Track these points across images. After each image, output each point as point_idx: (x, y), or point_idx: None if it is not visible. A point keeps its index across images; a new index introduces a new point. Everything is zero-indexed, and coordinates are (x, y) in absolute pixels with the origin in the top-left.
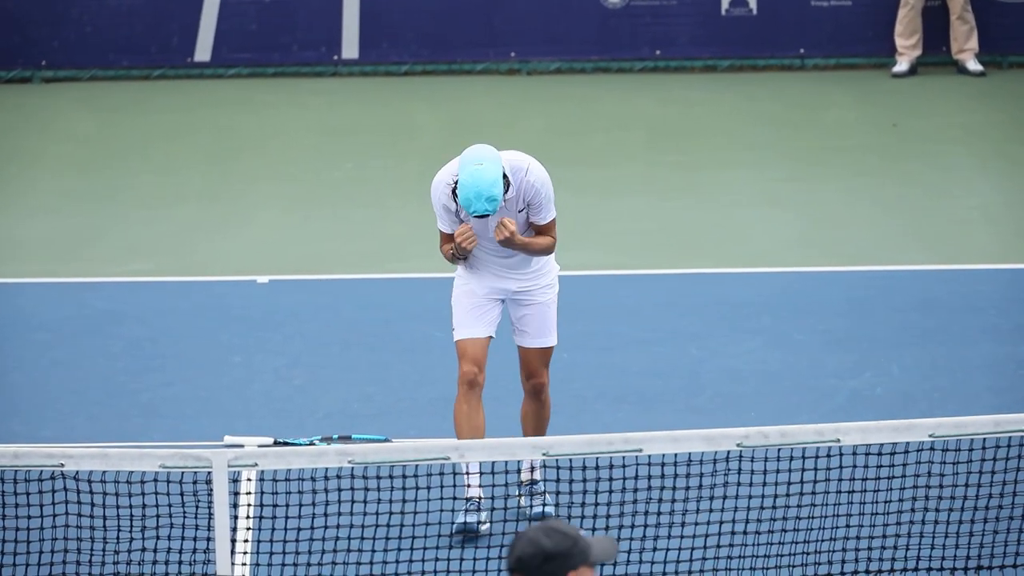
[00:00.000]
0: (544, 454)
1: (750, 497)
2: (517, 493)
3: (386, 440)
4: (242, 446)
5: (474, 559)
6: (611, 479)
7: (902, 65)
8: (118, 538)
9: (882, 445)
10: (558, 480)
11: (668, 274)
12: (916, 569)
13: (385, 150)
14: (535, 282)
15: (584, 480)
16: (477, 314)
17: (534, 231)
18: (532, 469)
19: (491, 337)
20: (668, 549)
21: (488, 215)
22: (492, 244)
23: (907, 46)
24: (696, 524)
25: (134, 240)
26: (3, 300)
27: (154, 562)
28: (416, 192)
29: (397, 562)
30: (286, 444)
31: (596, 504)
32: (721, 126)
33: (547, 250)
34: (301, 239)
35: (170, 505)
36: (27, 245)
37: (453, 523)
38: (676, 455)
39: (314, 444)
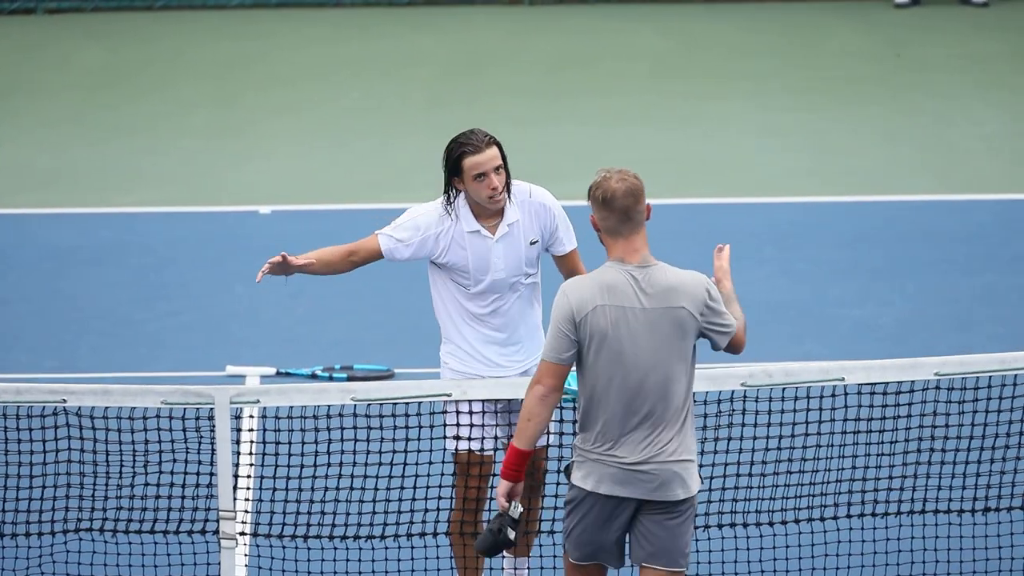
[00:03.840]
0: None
1: (755, 438)
2: None
3: (388, 370)
4: (244, 376)
5: (477, 498)
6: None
7: None
8: (120, 474)
9: (887, 384)
10: (561, 421)
11: (671, 204)
12: (923, 511)
13: (389, 81)
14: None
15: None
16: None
17: (563, 269)
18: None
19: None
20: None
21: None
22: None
23: None
24: (701, 466)
25: (140, 170)
26: (8, 229)
27: (157, 497)
28: (420, 123)
29: (400, 500)
30: (288, 374)
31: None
32: (724, 57)
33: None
34: (305, 169)
35: (172, 441)
36: (32, 175)
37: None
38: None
39: (316, 374)
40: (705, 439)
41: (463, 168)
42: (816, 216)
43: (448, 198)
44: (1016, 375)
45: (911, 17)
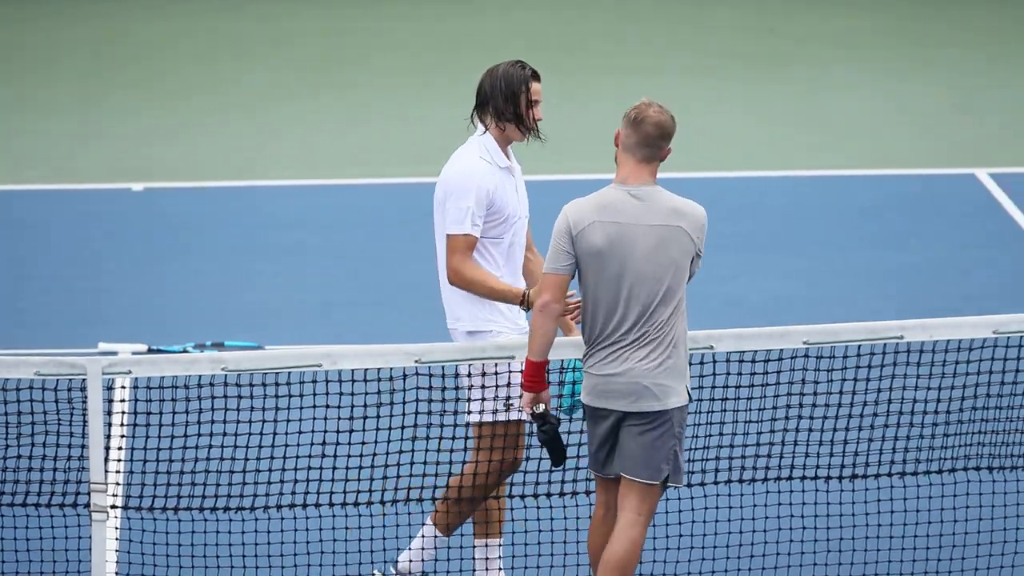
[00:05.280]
0: (416, 361)
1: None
2: None
3: (259, 347)
4: (116, 353)
5: (346, 468)
6: (484, 387)
7: None
8: None
9: (756, 352)
10: (431, 388)
11: (548, 180)
12: (790, 478)
13: (259, 61)
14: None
15: (456, 388)
16: None
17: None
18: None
19: None
20: (528, 459)
21: None
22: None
23: None
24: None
25: (8, 149)
26: None
27: (29, 469)
28: (290, 97)
29: (270, 470)
30: (160, 351)
31: (468, 412)
32: (599, 33)
33: None
34: (176, 146)
35: (45, 412)
36: None
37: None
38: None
39: (187, 351)
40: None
41: (530, 91)
42: (693, 191)
43: (497, 124)
44: (885, 344)
45: None
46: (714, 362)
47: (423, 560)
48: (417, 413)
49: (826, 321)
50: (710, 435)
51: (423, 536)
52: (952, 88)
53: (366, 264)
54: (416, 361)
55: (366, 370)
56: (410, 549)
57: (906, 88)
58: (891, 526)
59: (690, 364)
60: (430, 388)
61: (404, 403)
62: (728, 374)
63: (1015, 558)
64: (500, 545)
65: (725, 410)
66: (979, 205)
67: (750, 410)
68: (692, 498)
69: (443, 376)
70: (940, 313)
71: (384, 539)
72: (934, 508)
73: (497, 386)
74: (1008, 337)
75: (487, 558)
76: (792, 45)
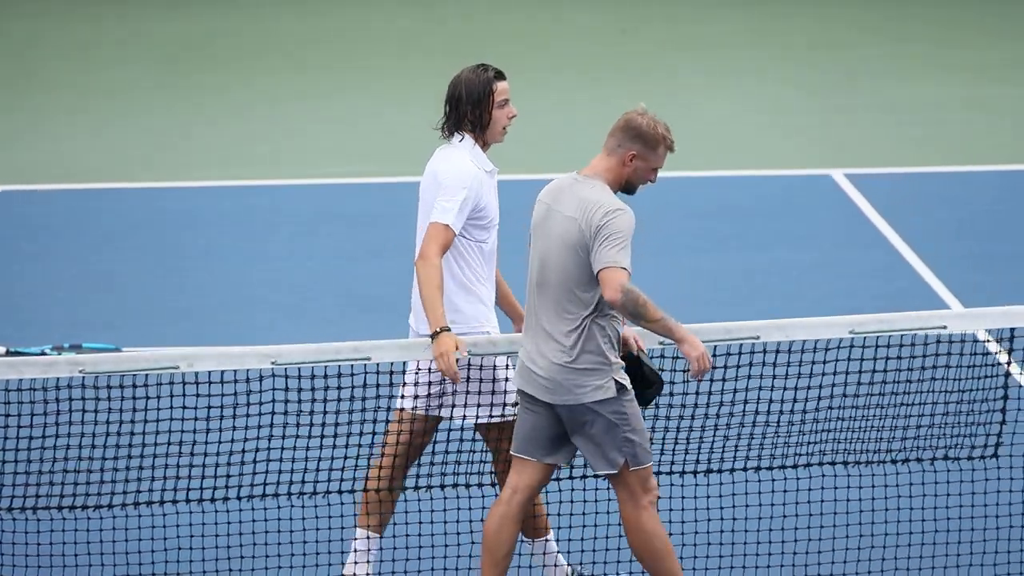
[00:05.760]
0: (272, 362)
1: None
2: None
3: (116, 349)
4: None
5: (203, 465)
6: (339, 387)
7: None
8: None
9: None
10: (287, 389)
11: (387, 183)
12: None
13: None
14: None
15: (312, 389)
16: None
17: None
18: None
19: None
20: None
21: None
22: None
23: None
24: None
25: None
26: None
27: None
28: (151, 98)
29: (128, 468)
30: (18, 354)
31: (325, 412)
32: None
33: None
34: (36, 146)
35: None
36: None
37: None
38: (405, 363)
39: (45, 353)
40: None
41: (495, 92)
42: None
43: (472, 132)
44: (741, 344)
45: None
46: None
47: (368, 562)
48: (273, 413)
49: (682, 323)
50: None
51: (355, 541)
52: (811, 91)
53: (229, 265)
54: (272, 363)
55: (223, 371)
56: (355, 562)
57: (764, 90)
58: (746, 520)
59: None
60: (286, 389)
61: (260, 403)
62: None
63: (871, 552)
64: (555, 540)
65: None
66: (835, 206)
67: None
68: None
69: (299, 377)
70: (798, 314)
71: (241, 535)
72: (789, 502)
73: (488, 380)
74: (864, 337)
75: (545, 553)
76: (647, 47)
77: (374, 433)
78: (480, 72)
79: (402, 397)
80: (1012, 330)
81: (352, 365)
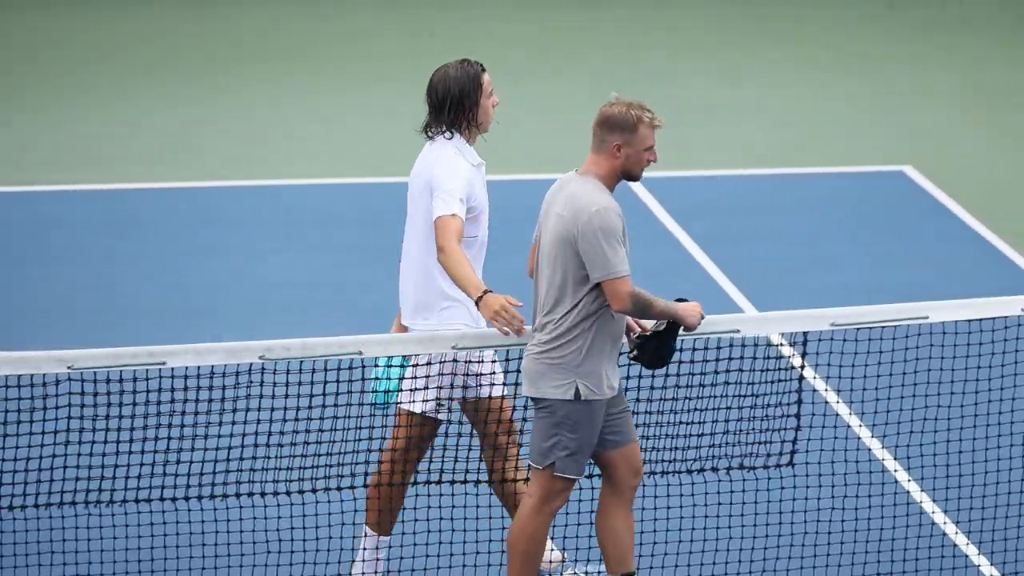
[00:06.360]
0: (69, 367)
1: (272, 409)
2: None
3: None
4: None
5: (189, 462)
6: (135, 392)
7: None
8: None
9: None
10: (83, 393)
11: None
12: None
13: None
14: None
15: (108, 393)
16: None
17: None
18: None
19: None
20: (192, 462)
21: None
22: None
23: None
24: (219, 436)
25: None
26: None
27: None
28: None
29: (14, 472)
30: None
31: (120, 416)
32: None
33: None
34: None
35: None
36: None
37: None
38: (199, 368)
39: None
40: (223, 410)
41: (482, 84)
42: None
43: (463, 127)
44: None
45: None
46: (363, 367)
47: (377, 559)
48: (69, 418)
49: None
50: (359, 439)
51: (364, 539)
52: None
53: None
54: (68, 367)
55: (19, 375)
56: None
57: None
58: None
59: (339, 369)
60: (82, 393)
61: (57, 408)
62: (375, 379)
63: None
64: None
65: (374, 415)
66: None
67: (387, 415)
68: (342, 500)
69: (95, 381)
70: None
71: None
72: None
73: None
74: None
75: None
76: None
77: (168, 438)
78: (467, 67)
79: (407, 400)
80: (805, 334)
81: (148, 370)
